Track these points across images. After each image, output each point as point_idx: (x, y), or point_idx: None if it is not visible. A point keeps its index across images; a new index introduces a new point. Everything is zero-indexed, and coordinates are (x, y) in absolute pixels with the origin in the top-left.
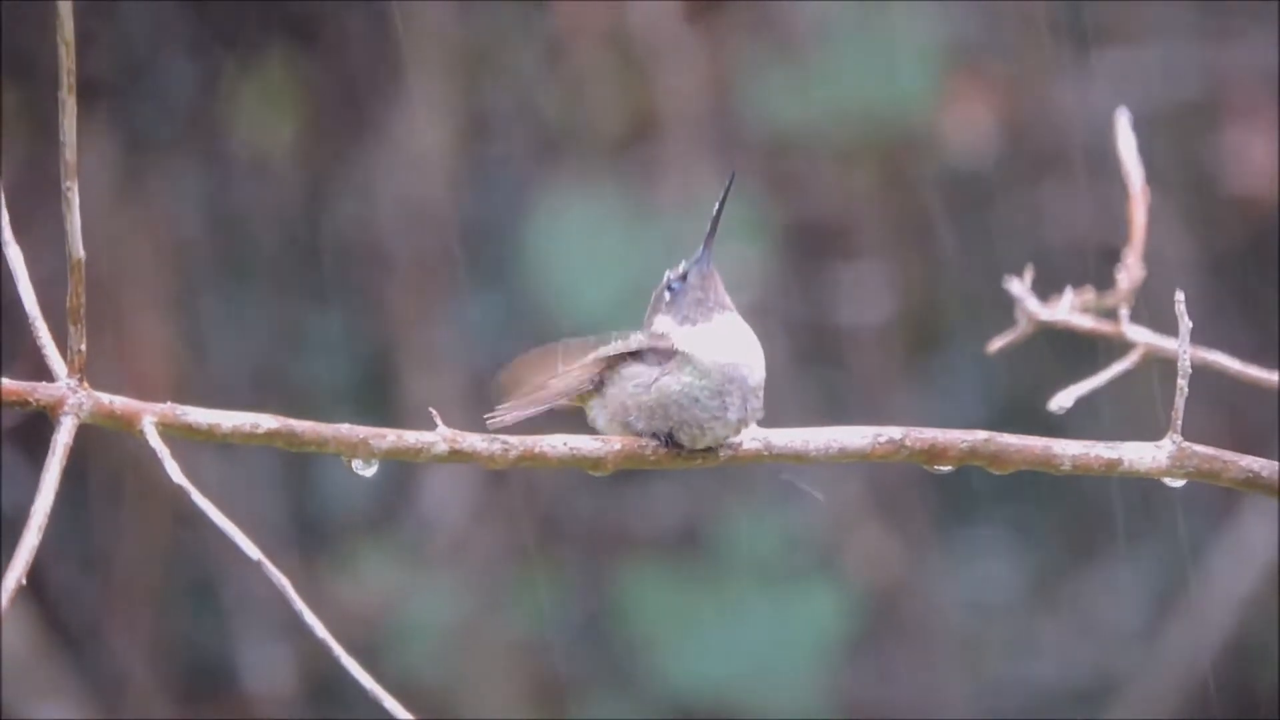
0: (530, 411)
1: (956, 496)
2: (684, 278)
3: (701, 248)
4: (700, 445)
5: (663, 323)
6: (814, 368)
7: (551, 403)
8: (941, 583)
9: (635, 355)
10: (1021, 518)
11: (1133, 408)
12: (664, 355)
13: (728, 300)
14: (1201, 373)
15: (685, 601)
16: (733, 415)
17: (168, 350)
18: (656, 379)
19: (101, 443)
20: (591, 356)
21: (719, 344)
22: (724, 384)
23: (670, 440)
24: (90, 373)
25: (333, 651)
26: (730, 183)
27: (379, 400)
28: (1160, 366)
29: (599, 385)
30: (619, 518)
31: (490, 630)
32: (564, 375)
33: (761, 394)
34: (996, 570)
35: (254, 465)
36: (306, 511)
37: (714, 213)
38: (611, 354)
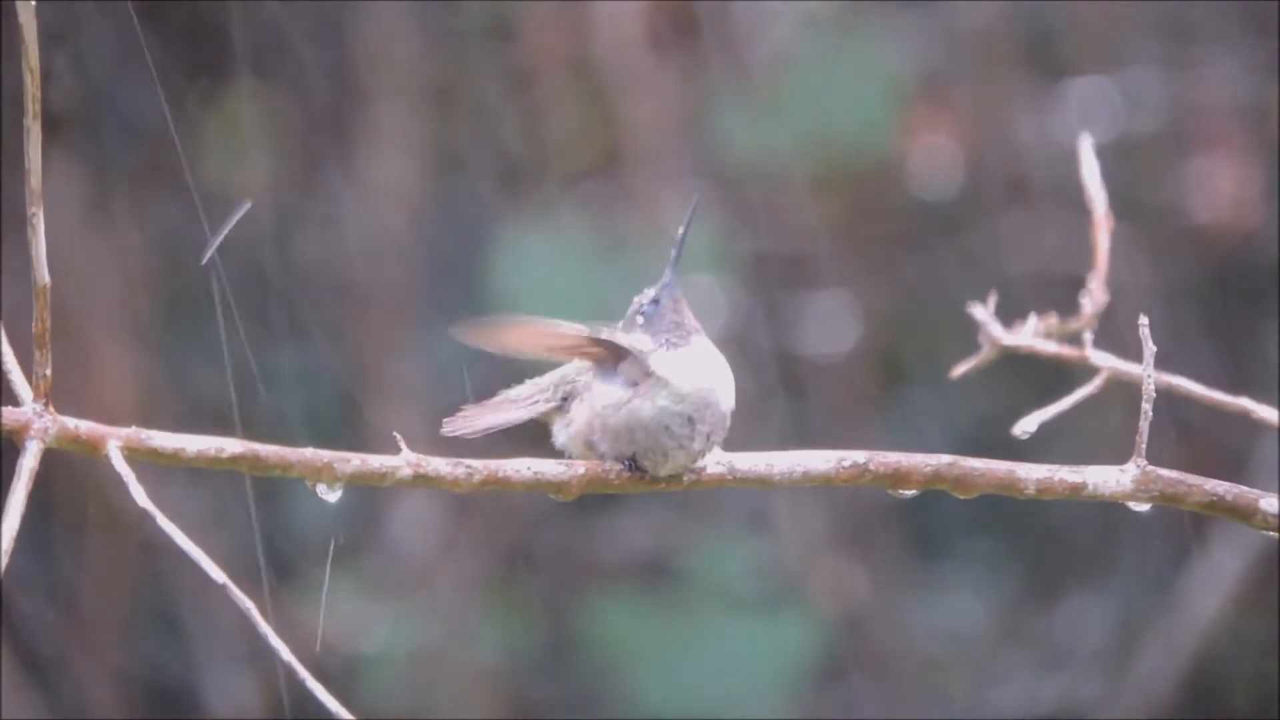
0: (491, 423)
1: (923, 526)
2: (656, 301)
3: (668, 272)
4: (662, 472)
5: (642, 342)
6: (779, 397)
7: (516, 419)
8: (908, 612)
9: (605, 373)
10: (988, 548)
11: (1101, 434)
12: (638, 376)
13: (697, 324)
14: (1168, 398)
15: (652, 629)
16: (697, 445)
17: (132, 380)
18: (629, 400)
19: (66, 471)
20: (584, 332)
21: (696, 369)
22: (698, 409)
23: (633, 465)
24: (56, 401)
25: (298, 675)
26: (694, 206)
27: (344, 432)
28: (1125, 392)
29: (564, 402)
30: (586, 546)
31: (458, 657)
32: (548, 346)
33: (729, 422)
34: (963, 600)
35: (220, 495)
36: (273, 541)
37: (679, 236)
38: (604, 337)
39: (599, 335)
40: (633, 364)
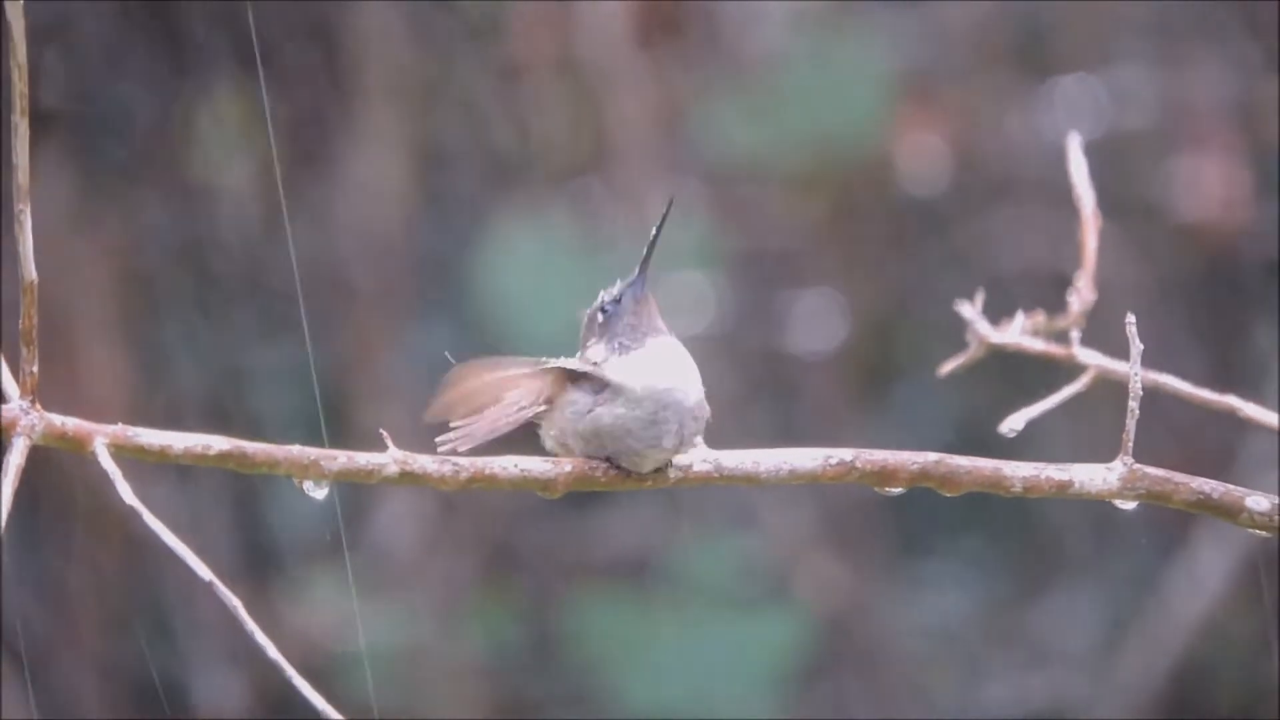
0: (483, 437)
1: (910, 524)
2: (618, 301)
3: (637, 271)
4: (644, 470)
5: (596, 350)
6: (766, 396)
7: (506, 427)
8: (895, 609)
9: (575, 380)
10: (975, 545)
11: (1088, 433)
12: (599, 384)
13: (661, 324)
14: (1155, 396)
15: (639, 627)
16: (669, 443)
17: (121, 377)
18: (591, 408)
19: (54, 469)
20: (533, 367)
21: (651, 370)
22: (658, 411)
23: (616, 464)
24: (43, 398)
25: (284, 672)
26: (668, 208)
27: (332, 429)
28: (1114, 390)
29: (549, 405)
30: (573, 543)
31: (444, 655)
32: (510, 390)
33: (702, 413)
34: (950, 597)
35: (207, 493)
36: (260, 539)
37: (651, 236)
38: (553, 366)
39: (547, 365)
40: (592, 374)
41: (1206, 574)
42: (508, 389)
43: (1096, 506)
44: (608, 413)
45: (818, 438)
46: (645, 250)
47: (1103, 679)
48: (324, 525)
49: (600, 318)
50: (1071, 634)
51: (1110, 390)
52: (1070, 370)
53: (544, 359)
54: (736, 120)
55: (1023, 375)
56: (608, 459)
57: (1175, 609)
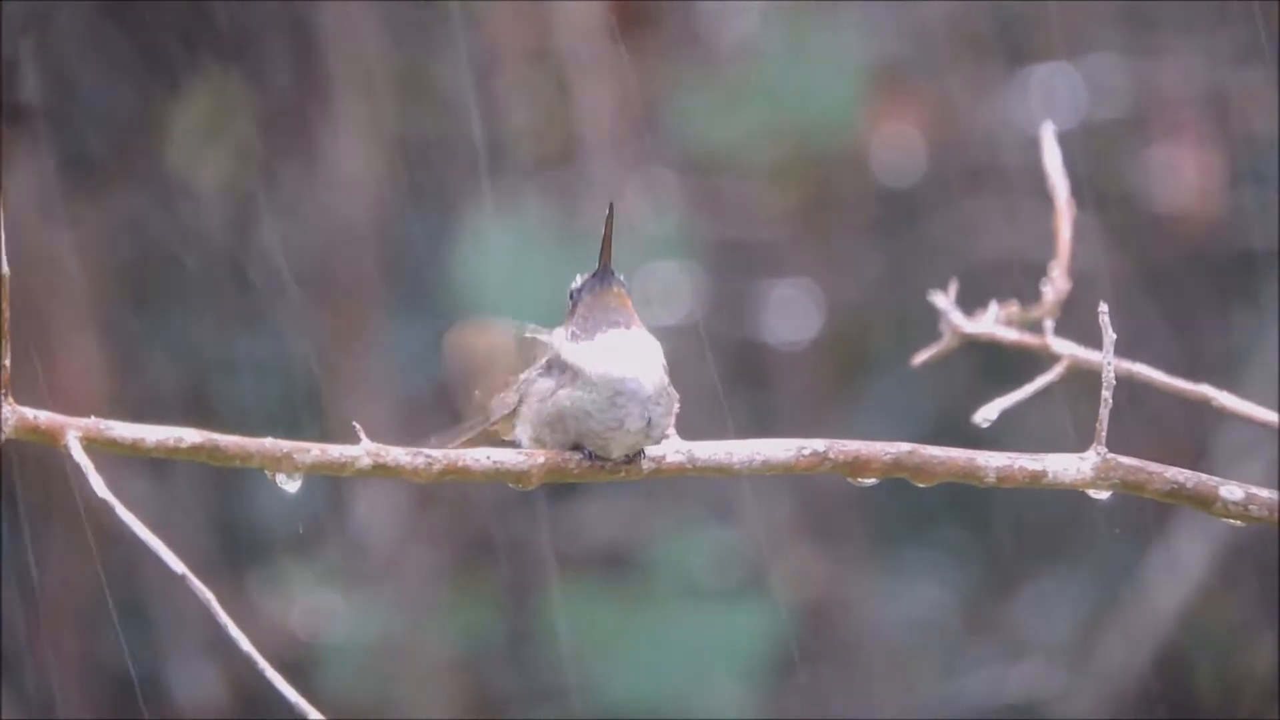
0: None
1: (888, 515)
2: (580, 290)
3: (599, 264)
4: (614, 454)
5: (558, 336)
6: (742, 387)
7: (486, 424)
8: (872, 601)
9: (544, 370)
10: (953, 536)
11: (1066, 423)
12: (562, 370)
13: (623, 315)
14: (1130, 386)
15: (616, 619)
16: (632, 424)
17: (95, 371)
18: (554, 392)
19: (29, 461)
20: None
21: (606, 357)
22: (613, 397)
23: (589, 454)
24: (17, 392)
25: (257, 665)
26: (611, 213)
27: (307, 422)
28: (1091, 380)
29: (519, 403)
30: (549, 536)
31: (421, 648)
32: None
33: (664, 401)
34: (928, 588)
35: (182, 486)
36: (237, 531)
37: (603, 236)
38: (539, 337)
39: (534, 336)
40: (556, 359)
41: (1185, 564)
42: (505, 373)
43: (1075, 496)
44: (567, 395)
45: (794, 428)
46: (600, 248)
47: (1082, 669)
48: (301, 518)
49: (568, 305)
50: (1050, 624)
51: (1087, 380)
52: (1046, 360)
53: (534, 328)
54: (711, 111)
55: (1000, 365)
56: (578, 447)
57: (1154, 599)
